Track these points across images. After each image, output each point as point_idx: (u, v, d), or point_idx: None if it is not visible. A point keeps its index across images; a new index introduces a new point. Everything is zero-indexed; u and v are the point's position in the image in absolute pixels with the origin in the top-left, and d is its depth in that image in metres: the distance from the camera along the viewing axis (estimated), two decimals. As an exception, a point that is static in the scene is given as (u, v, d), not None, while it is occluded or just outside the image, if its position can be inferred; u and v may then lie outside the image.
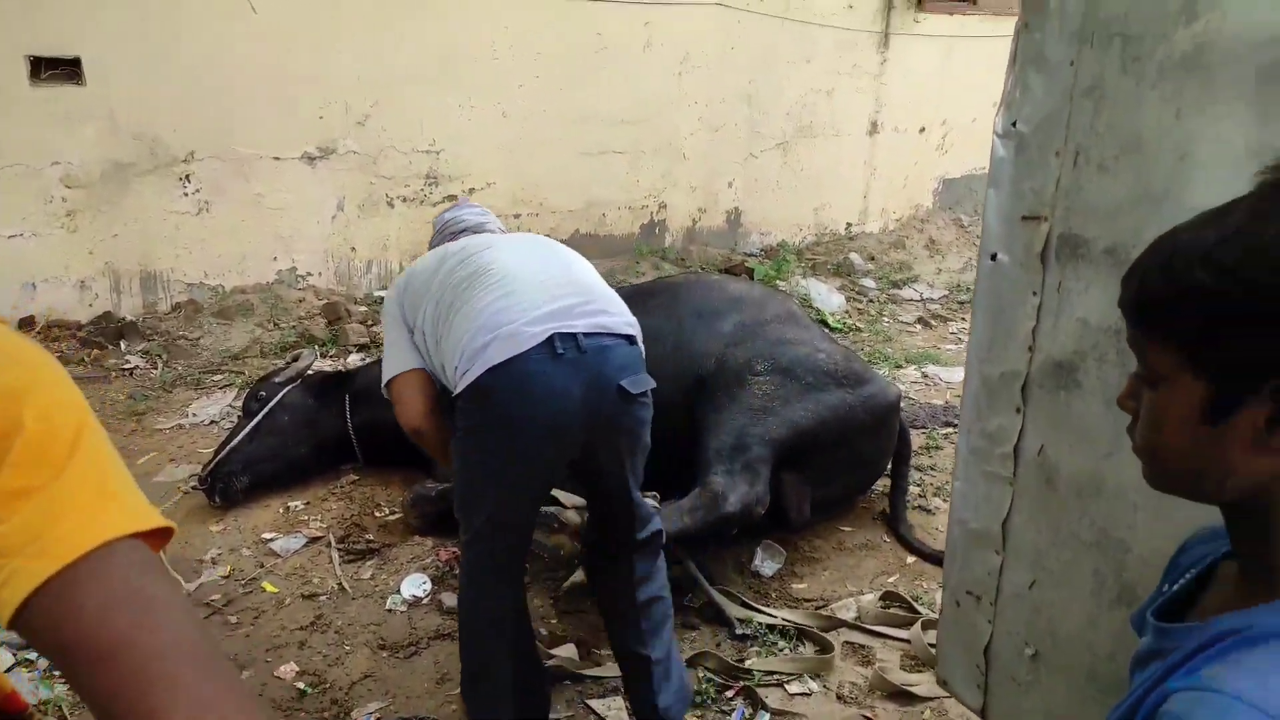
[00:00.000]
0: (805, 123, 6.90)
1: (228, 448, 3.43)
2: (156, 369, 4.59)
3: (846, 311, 6.03)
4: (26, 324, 4.60)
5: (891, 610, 2.91)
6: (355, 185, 5.28)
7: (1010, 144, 1.13)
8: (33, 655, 2.59)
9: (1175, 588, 0.90)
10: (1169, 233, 0.76)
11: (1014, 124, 1.12)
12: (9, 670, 2.48)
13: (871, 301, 6.34)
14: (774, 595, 3.04)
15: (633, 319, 2.18)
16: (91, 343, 4.62)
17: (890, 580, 3.12)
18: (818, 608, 2.96)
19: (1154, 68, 0.99)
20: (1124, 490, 1.05)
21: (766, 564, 3.17)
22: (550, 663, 2.59)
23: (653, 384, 2.16)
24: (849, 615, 2.91)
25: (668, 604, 2.34)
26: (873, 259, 7.01)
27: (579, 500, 2.90)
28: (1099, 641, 1.10)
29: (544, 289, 2.10)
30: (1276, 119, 0.87)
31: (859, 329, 5.77)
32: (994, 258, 1.18)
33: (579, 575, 2.62)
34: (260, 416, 3.51)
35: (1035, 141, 1.10)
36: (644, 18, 5.98)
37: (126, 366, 4.57)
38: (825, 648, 2.73)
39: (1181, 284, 0.73)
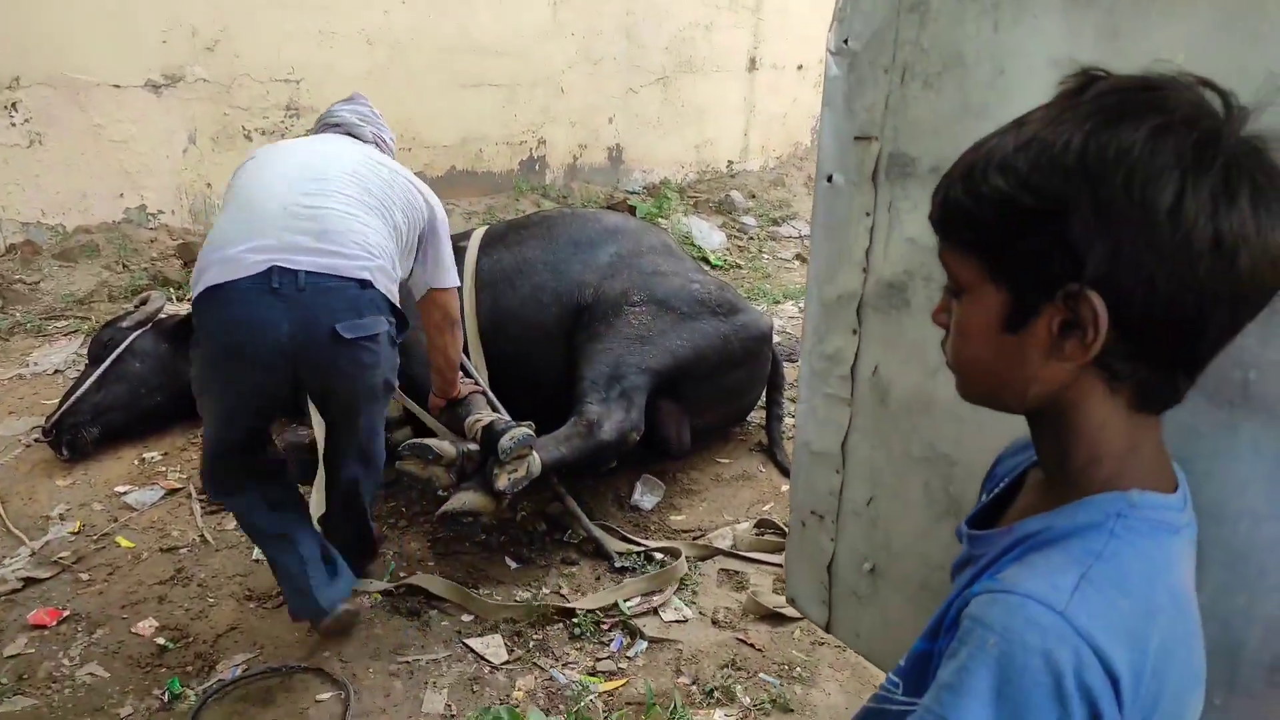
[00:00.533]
0: (685, 57, 6.84)
1: (74, 397, 3.21)
2: (-10, 316, 4.23)
3: (727, 249, 6.10)
4: None
5: (766, 537, 3.00)
6: (207, 116, 4.94)
7: (843, 62, 1.12)
8: None
9: (989, 497, 0.94)
10: (974, 144, 0.77)
11: (845, 41, 1.11)
12: None
13: (752, 239, 6.41)
14: (653, 528, 3.09)
15: (378, 263, 2.18)
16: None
17: (765, 508, 3.20)
18: (695, 538, 3.02)
19: (974, -20, 0.99)
20: (950, 406, 1.09)
21: (646, 498, 3.22)
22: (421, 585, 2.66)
23: (379, 329, 2.17)
24: (725, 544, 2.99)
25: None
26: (753, 196, 7.08)
27: (449, 435, 2.86)
28: (931, 553, 1.15)
29: (281, 218, 2.12)
30: (1083, 32, 0.88)
31: (739, 266, 5.85)
32: (830, 179, 1.18)
33: (455, 503, 2.60)
34: (108, 363, 3.29)
35: (866, 59, 1.09)
36: (517, -58, 5.76)
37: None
38: (673, 555, 2.80)
39: (979, 191, 0.74)
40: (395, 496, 3.09)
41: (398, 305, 2.28)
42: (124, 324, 3.44)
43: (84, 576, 2.66)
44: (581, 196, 6.38)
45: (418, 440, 2.71)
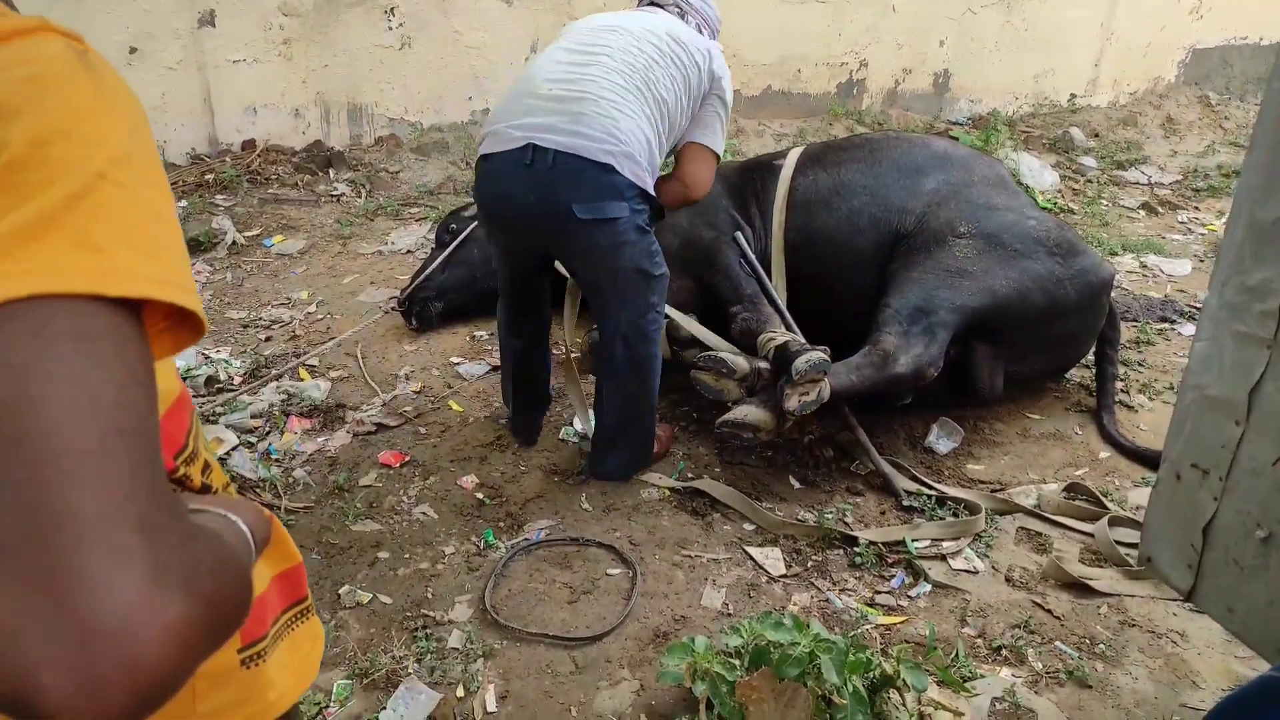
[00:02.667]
0: (1038, -26, 6.19)
1: (422, 276, 3.60)
2: (360, 198, 4.86)
3: (1059, 191, 5.53)
4: (248, 146, 4.96)
5: (1077, 503, 2.75)
6: (549, 26, 5.23)
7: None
8: (254, 438, 2.90)
9: None
10: None
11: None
12: (233, 449, 2.78)
13: (1090, 182, 5.77)
14: (946, 473, 2.94)
15: (624, 149, 2.27)
16: (304, 169, 4.94)
17: (1078, 473, 2.93)
18: (993, 491, 2.84)
19: None
20: None
21: (941, 441, 3.06)
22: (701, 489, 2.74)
23: (617, 214, 2.29)
24: (1028, 502, 2.77)
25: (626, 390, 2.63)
26: (1096, 135, 6.34)
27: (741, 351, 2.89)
28: (1353, 530, 0.96)
29: (545, 98, 2.31)
30: None
31: (1072, 210, 5.29)
32: (1295, 77, 0.98)
33: (737, 414, 2.63)
34: (451, 248, 3.65)
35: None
36: None
37: (334, 193, 4.86)
38: (973, 509, 2.64)
39: None
40: (688, 402, 3.18)
41: (648, 190, 2.36)
42: (466, 214, 3.78)
43: (422, 430, 3.02)
44: (900, 125, 6.05)
45: (713, 353, 2.75)
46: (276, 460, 2.79)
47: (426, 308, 3.56)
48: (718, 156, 2.66)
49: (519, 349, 2.82)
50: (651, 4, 2.71)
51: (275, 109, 4.97)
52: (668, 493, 2.74)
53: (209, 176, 4.72)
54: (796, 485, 2.84)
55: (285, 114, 5.01)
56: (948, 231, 2.92)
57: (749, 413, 2.64)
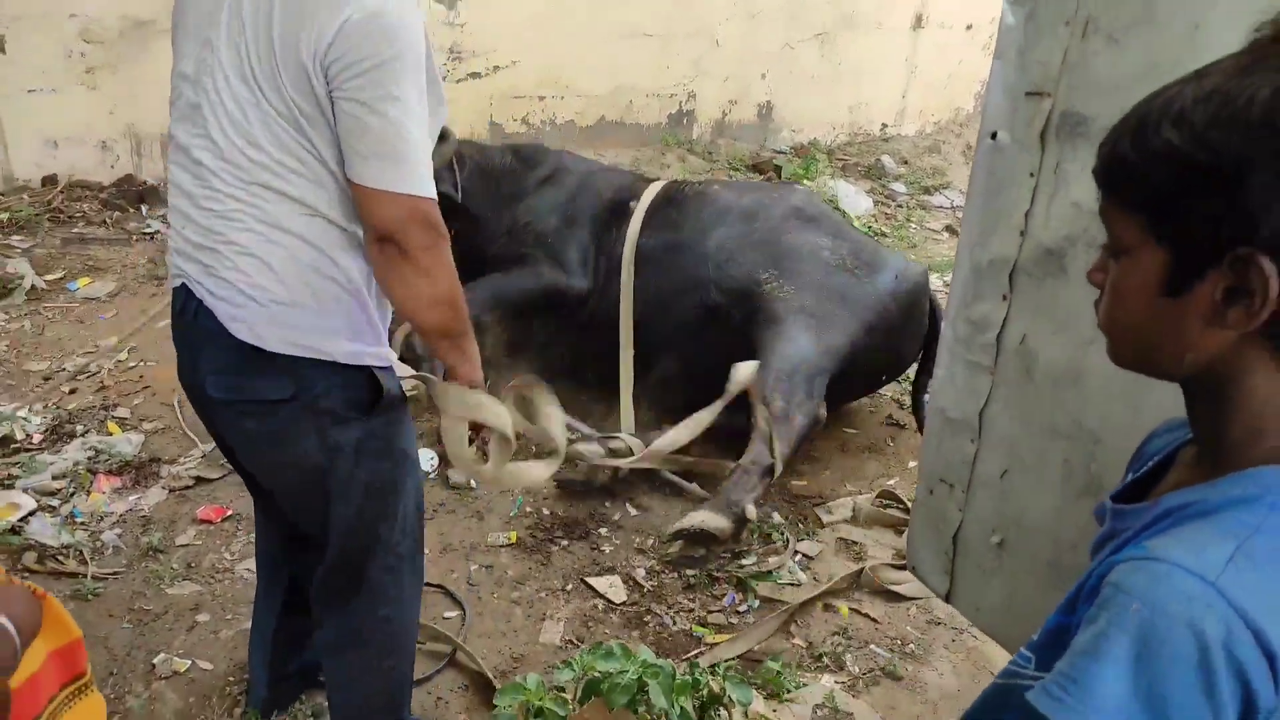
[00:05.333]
0: (848, 12, 6.60)
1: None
2: (177, 237, 4.62)
3: (873, 215, 5.91)
4: (49, 182, 4.63)
5: (889, 510, 2.95)
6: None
7: (1020, 10, 1.06)
8: (55, 501, 2.70)
9: (1135, 475, 0.90)
10: (1149, 95, 0.72)
11: (1025, -12, 1.05)
12: (31, 514, 2.59)
13: (900, 206, 6.20)
14: (773, 492, 3.08)
15: (268, 311, 1.45)
16: (113, 205, 4.65)
17: (890, 482, 3.14)
18: (815, 504, 3.00)
19: (1178, -72, 0.92)
20: (1101, 382, 1.04)
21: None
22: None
23: (273, 395, 1.50)
24: (844, 514, 2.96)
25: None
26: (906, 163, 6.82)
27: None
28: (1064, 532, 1.11)
29: (183, 213, 1.53)
30: (1298, -16, 0.80)
31: (884, 234, 5.67)
32: (994, 137, 1.13)
33: (692, 520, 2.67)
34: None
35: (1046, 9, 1.03)
36: (684, -109, 5.68)
37: (147, 231, 4.60)
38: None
39: (1150, 145, 0.70)
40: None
41: (334, 358, 1.49)
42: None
43: (245, 480, 2.89)
44: (727, 154, 6.31)
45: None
46: (82, 524, 2.62)
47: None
48: (420, 195, 1.43)
49: (273, 554, 1.99)
50: None
51: (79, 142, 4.67)
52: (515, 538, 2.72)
53: (3, 216, 4.37)
54: (633, 513, 2.91)
55: (91, 147, 4.70)
56: (754, 286, 3.06)
57: (706, 519, 2.61)
